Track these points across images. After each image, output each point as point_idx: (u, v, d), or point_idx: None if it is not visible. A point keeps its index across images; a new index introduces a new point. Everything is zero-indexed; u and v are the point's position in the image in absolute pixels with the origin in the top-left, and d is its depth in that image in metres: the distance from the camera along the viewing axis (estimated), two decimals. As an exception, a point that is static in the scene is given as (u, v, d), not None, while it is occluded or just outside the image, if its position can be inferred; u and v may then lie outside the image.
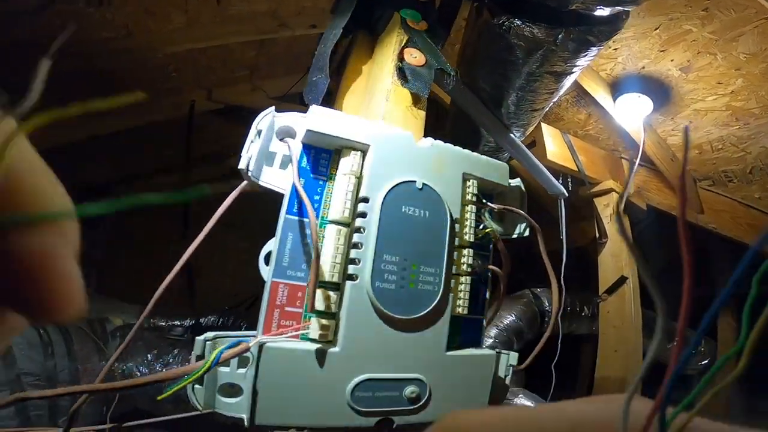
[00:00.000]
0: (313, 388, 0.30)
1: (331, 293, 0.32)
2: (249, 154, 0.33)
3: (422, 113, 0.43)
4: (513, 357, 0.40)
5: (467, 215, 0.38)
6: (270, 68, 1.52)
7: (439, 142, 0.39)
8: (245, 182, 0.34)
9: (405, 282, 0.34)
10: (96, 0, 0.98)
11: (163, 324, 1.23)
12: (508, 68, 0.66)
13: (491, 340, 1.32)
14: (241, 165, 0.32)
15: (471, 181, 0.39)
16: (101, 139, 1.42)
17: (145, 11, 1.09)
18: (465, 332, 0.38)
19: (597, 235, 1.43)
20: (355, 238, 0.34)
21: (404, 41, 0.45)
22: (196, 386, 0.29)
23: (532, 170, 1.19)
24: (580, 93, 1.32)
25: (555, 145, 1.30)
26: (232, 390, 0.31)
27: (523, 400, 1.18)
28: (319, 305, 0.32)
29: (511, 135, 0.83)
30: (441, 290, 0.35)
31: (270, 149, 0.35)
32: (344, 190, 0.34)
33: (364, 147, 0.35)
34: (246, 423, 0.29)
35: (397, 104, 0.42)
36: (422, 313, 0.34)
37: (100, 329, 1.07)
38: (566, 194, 1.41)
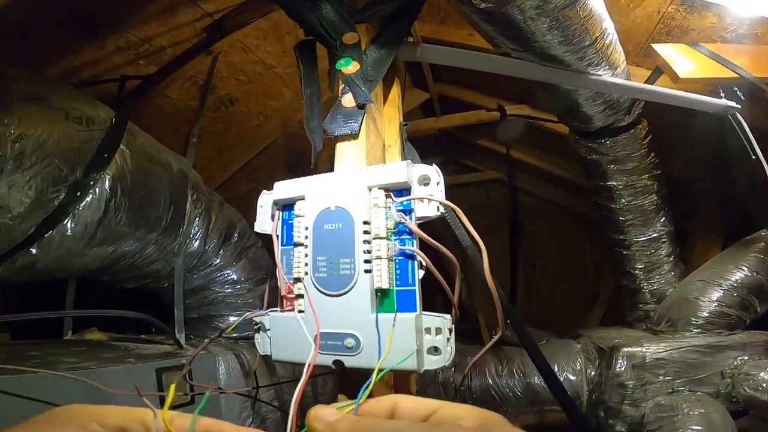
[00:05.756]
0: (296, 338, 0.54)
1: (300, 284, 0.56)
2: (258, 222, 0.62)
3: (363, 142, 0.61)
4: (447, 320, 0.49)
5: (374, 216, 0.52)
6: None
7: (355, 169, 0.56)
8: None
9: (332, 271, 0.53)
10: (228, 101, 1.49)
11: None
12: (510, 27, 0.68)
13: (714, 305, 1.01)
14: (256, 228, 0.62)
15: (373, 190, 0.53)
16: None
17: (264, 95, 1.55)
18: (399, 301, 0.52)
19: None
20: (305, 251, 0.56)
21: (341, 90, 0.64)
22: (257, 335, 0.59)
23: (667, 100, 0.97)
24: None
25: (689, 61, 0.96)
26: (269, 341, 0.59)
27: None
28: (297, 291, 0.56)
29: (595, 76, 0.77)
30: (356, 273, 0.52)
31: (271, 212, 0.62)
32: (297, 226, 0.57)
33: (302, 197, 0.57)
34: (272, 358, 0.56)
35: (351, 146, 0.62)
36: (345, 289, 0.52)
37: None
38: (737, 106, 1.00)
